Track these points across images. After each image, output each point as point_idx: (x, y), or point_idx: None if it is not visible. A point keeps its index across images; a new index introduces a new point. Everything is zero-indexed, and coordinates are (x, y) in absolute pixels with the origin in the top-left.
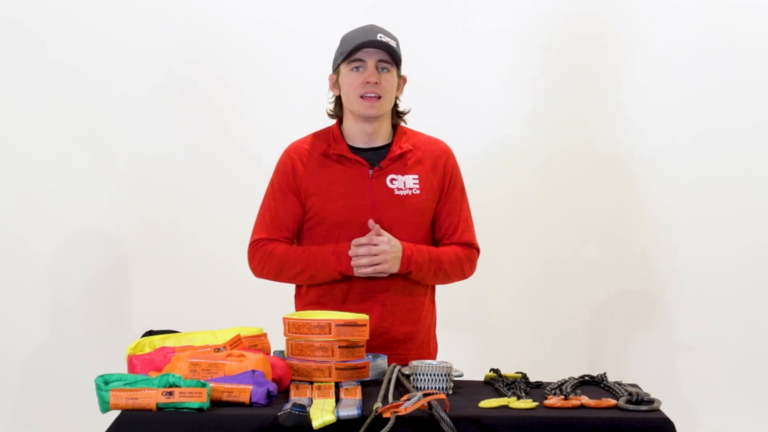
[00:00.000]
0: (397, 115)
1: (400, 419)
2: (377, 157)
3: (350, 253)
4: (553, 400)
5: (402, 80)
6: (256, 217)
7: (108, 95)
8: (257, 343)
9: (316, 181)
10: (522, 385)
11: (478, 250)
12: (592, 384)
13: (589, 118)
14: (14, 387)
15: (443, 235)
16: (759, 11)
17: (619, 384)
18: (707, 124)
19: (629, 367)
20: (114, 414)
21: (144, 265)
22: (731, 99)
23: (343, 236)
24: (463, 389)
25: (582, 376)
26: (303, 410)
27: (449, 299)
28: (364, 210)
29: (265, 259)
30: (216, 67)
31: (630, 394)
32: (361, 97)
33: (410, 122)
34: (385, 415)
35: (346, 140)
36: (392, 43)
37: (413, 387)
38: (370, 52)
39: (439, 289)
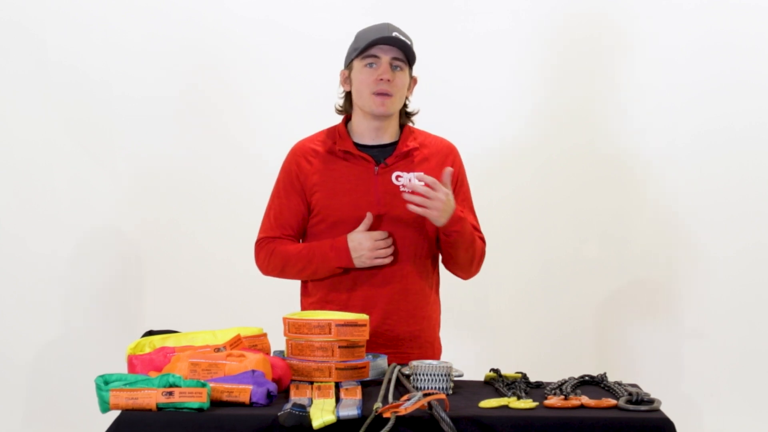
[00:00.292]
0: (405, 115)
1: (400, 419)
2: (383, 154)
3: (369, 246)
4: (553, 400)
5: (413, 81)
6: (263, 216)
7: (108, 95)
8: (257, 343)
9: (321, 178)
10: (522, 385)
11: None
12: (592, 384)
13: (589, 118)
14: (14, 387)
15: None
16: (759, 11)
17: (619, 384)
18: (707, 124)
19: (629, 367)
20: (114, 414)
21: (144, 265)
22: (731, 99)
23: (347, 232)
24: (463, 389)
25: (582, 376)
26: (303, 410)
27: (449, 299)
28: (368, 206)
29: (269, 257)
30: (216, 67)
31: (630, 394)
32: (374, 93)
33: None
34: (385, 415)
35: (353, 137)
36: (407, 42)
37: (413, 387)
38: (384, 49)
39: (440, 289)
